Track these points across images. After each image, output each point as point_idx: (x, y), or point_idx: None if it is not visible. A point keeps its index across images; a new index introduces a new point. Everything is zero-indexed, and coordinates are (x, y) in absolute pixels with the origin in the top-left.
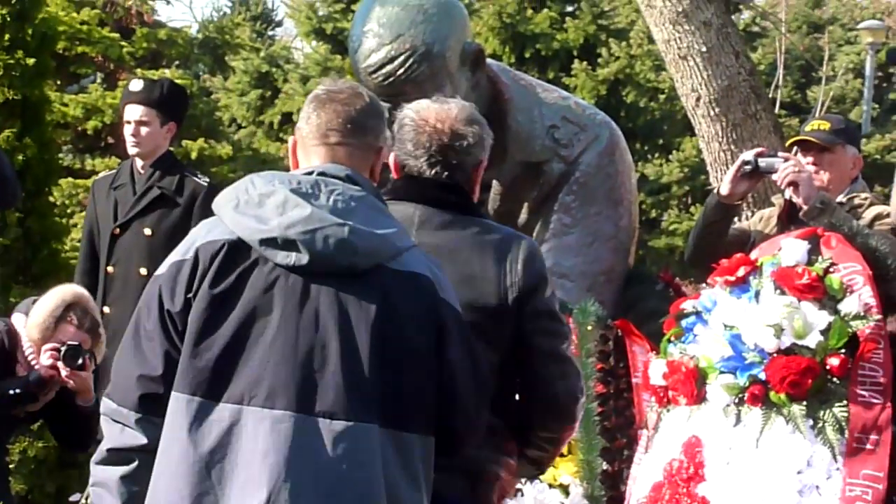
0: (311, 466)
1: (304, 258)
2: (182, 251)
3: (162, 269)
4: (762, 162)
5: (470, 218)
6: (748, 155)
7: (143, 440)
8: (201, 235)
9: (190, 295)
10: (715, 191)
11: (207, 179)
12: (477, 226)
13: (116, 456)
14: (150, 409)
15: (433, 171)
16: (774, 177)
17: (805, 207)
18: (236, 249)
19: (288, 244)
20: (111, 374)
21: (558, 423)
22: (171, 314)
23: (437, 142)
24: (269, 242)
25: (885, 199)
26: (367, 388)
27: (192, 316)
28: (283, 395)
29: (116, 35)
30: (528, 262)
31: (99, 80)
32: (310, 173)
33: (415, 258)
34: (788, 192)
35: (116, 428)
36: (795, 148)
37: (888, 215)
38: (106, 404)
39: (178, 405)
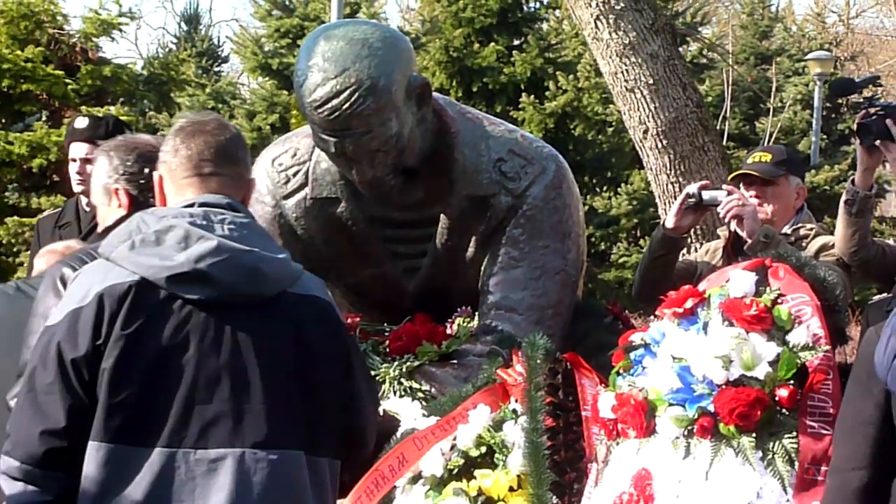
0: (248, 501)
1: (214, 291)
2: (77, 299)
3: (54, 319)
4: (706, 195)
5: None
6: (692, 188)
7: (49, 497)
8: (96, 281)
9: (99, 342)
10: (661, 224)
11: None
12: None
13: None
14: (55, 465)
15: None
16: (718, 209)
17: (749, 241)
18: (143, 290)
19: (197, 277)
20: (9, 432)
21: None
22: (76, 362)
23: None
24: (177, 278)
25: (833, 230)
26: (292, 417)
27: (105, 363)
28: (214, 434)
29: (61, 72)
30: None
31: (44, 118)
32: (191, 205)
33: (309, 281)
34: (733, 225)
35: (19, 486)
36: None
37: (833, 246)
38: (7, 463)
39: (101, 454)
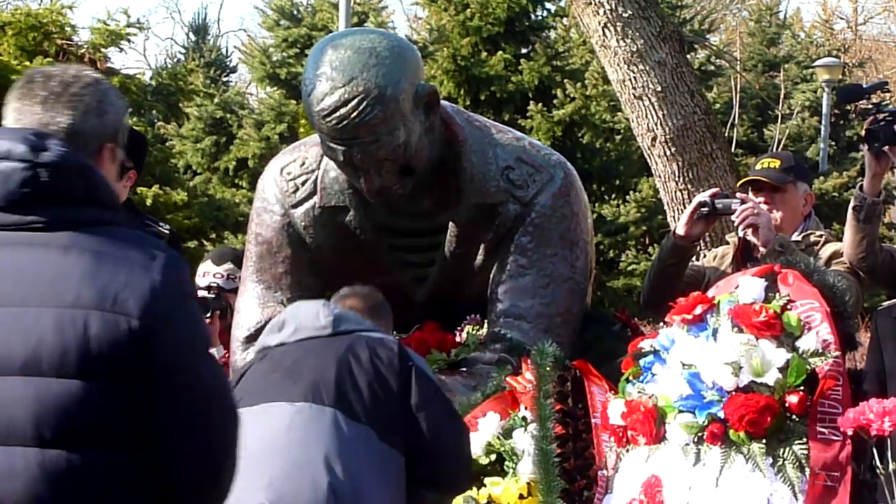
0: (272, 433)
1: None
2: None
3: None
4: (718, 204)
5: None
6: (704, 196)
7: None
8: None
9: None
10: (670, 233)
11: (168, 227)
12: None
13: None
14: None
15: None
16: (732, 218)
17: (764, 250)
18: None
19: (278, 326)
20: None
21: None
22: None
23: None
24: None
25: (842, 237)
26: (325, 388)
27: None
28: (265, 399)
29: None
30: None
31: None
32: None
33: (378, 334)
34: (747, 234)
35: None
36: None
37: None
38: None
39: None
